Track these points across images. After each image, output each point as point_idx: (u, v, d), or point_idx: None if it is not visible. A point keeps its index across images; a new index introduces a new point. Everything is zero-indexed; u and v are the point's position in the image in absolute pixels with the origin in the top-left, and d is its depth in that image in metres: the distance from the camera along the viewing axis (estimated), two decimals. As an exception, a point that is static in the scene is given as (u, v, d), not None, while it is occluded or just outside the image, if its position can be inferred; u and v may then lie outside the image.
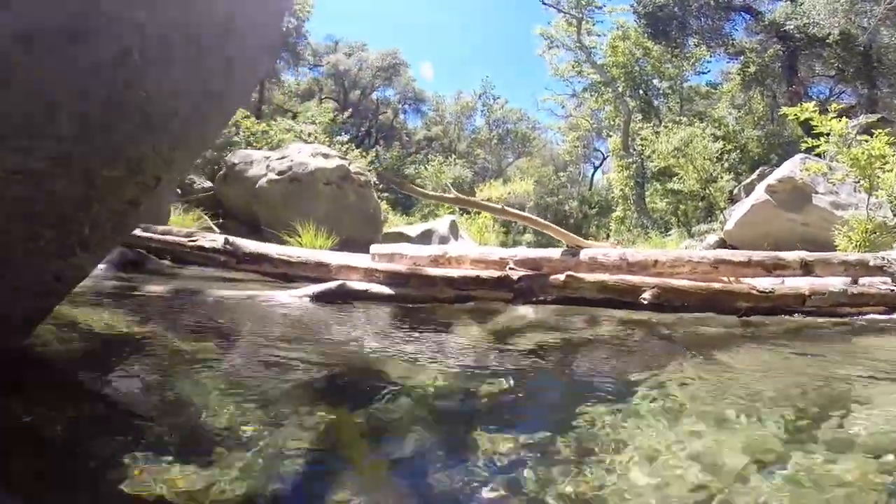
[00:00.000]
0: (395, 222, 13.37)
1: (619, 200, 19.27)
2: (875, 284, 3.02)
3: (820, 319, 2.96)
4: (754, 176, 12.78)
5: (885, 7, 13.62)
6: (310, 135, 14.93)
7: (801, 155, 9.34)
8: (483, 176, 26.38)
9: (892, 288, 2.96)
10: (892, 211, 6.81)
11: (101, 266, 3.86)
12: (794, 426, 1.41)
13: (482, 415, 1.50)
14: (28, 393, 1.41)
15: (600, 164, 28.85)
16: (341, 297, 3.19)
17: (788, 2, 16.01)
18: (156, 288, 3.01)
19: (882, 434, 1.36)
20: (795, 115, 7.24)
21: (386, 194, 15.44)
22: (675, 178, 14.75)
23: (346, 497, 0.99)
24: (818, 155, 8.01)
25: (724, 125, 17.37)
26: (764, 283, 3.13)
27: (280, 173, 9.42)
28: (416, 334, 2.51)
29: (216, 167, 11.23)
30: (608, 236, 17.35)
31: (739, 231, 9.41)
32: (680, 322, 2.96)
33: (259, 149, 11.65)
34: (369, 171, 10.94)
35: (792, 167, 9.08)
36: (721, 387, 1.80)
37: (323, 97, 25.70)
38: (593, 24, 21.57)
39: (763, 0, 17.64)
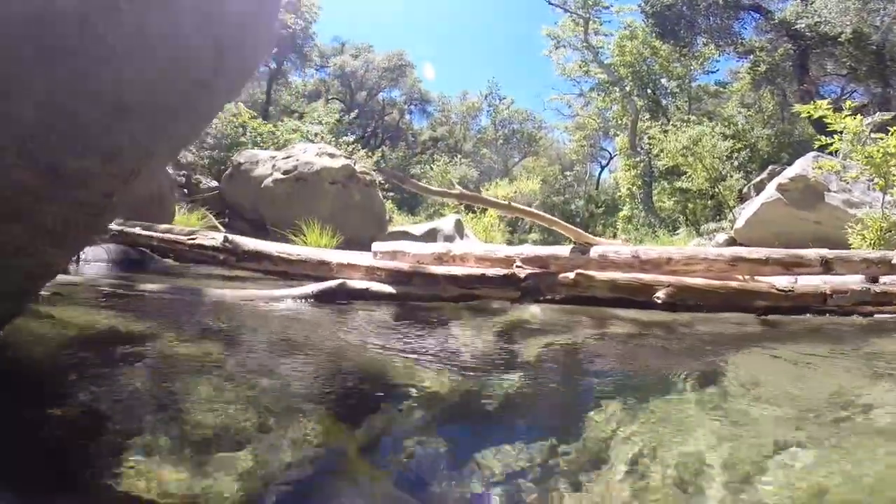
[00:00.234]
0: (400, 222, 13.35)
1: (627, 199, 19.14)
2: (896, 283, 2.92)
3: (835, 318, 2.87)
4: (764, 174, 12.63)
5: (898, 5, 13.43)
6: (316, 135, 14.94)
7: (814, 153, 9.21)
8: (489, 175, 26.29)
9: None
10: (908, 209, 6.65)
11: (102, 265, 3.86)
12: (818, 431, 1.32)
13: (487, 419, 1.44)
14: (17, 392, 1.36)
15: (607, 164, 28.68)
16: (342, 297, 3.11)
17: (799, 0, 15.81)
18: (154, 287, 2.95)
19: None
20: (809, 112, 7.11)
21: (391, 194, 15.43)
22: (683, 177, 14.60)
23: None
24: (831, 153, 7.87)
25: (733, 124, 17.19)
26: (779, 281, 3.04)
27: (286, 173, 9.41)
28: (419, 335, 2.43)
29: (222, 167, 11.25)
30: (615, 235, 17.21)
31: (749, 229, 9.29)
32: (695, 321, 2.87)
33: (266, 149, 11.66)
34: (374, 170, 10.90)
35: (804, 165, 8.95)
36: (743, 390, 1.72)
37: (329, 98, 25.71)
38: (600, 24, 21.48)
39: (773, -1, 17.46)
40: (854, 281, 2.98)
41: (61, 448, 1.11)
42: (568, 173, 28.15)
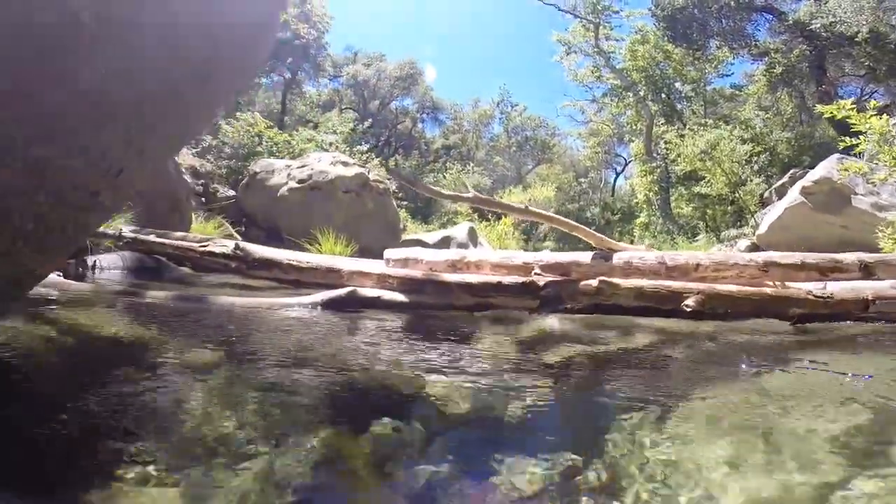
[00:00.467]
0: (414, 230, 13.33)
1: (643, 206, 18.88)
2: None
3: (877, 326, 2.71)
4: (786, 178, 12.36)
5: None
6: (331, 144, 15.06)
7: (838, 155, 8.97)
8: (502, 183, 26.24)
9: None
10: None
11: (117, 272, 3.86)
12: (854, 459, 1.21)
13: (502, 436, 1.36)
14: (18, 399, 1.32)
15: (622, 170, 28.42)
16: (352, 305, 3.02)
17: (813, 1, 15.54)
18: (162, 295, 2.92)
19: None
20: (832, 113, 6.89)
21: (405, 202, 15.44)
22: (701, 182, 14.34)
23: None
24: (856, 155, 7.63)
25: (751, 127, 16.87)
26: (807, 286, 2.90)
27: (300, 181, 9.47)
28: (432, 345, 2.32)
29: (240, 176, 11.39)
30: (632, 242, 16.96)
31: (772, 235, 9.06)
32: (725, 331, 2.74)
33: (281, 158, 11.77)
34: (388, 179, 10.91)
35: (828, 168, 8.70)
36: (782, 406, 1.60)
37: (343, 107, 26.00)
38: (611, 29, 21.38)
39: (786, 0, 17.19)
40: (884, 287, 2.81)
41: (58, 457, 1.07)
42: (582, 180, 27.96)
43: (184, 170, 10.67)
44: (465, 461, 1.18)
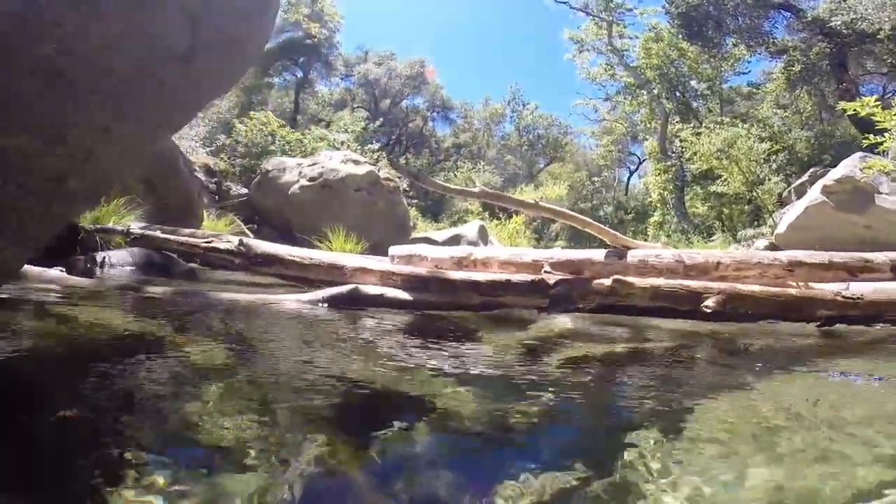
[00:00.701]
0: (424, 228, 13.27)
1: (658, 205, 18.62)
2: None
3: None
4: (805, 177, 12.08)
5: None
6: (342, 143, 15.10)
7: (861, 153, 8.74)
8: (513, 182, 26.09)
9: None
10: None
11: (126, 269, 3.86)
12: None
13: (509, 444, 1.28)
14: (16, 395, 1.28)
15: (636, 169, 28.05)
16: (354, 303, 2.95)
17: (831, -3, 15.18)
18: (163, 290, 2.88)
19: None
20: (855, 110, 6.69)
21: (416, 201, 15.41)
22: (718, 181, 14.07)
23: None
24: (880, 153, 7.40)
25: (769, 126, 16.51)
26: (831, 287, 2.76)
27: (311, 179, 9.48)
28: (437, 346, 2.24)
29: (253, 174, 11.45)
30: (646, 241, 16.71)
31: (792, 234, 8.84)
32: (747, 332, 2.62)
33: (293, 157, 11.81)
34: (399, 177, 10.87)
35: (851, 166, 8.48)
36: (801, 416, 1.50)
37: (355, 106, 26.07)
38: (624, 27, 21.11)
39: (804, -3, 16.80)
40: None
41: (56, 456, 1.03)
42: (595, 179, 27.66)
43: (198, 168, 10.77)
44: (468, 468, 1.12)
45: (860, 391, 1.83)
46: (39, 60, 0.96)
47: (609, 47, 21.22)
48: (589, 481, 1.04)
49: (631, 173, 28.52)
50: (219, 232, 4.75)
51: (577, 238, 16.41)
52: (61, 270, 2.96)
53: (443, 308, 3.05)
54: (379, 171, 10.00)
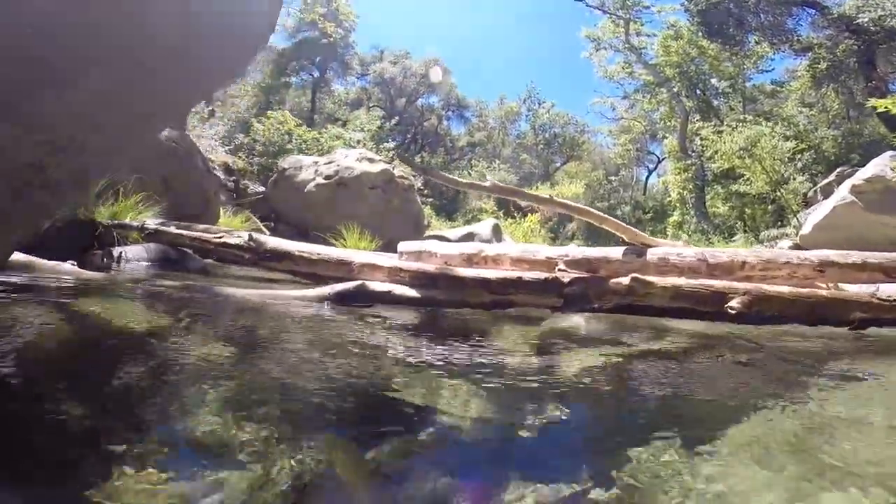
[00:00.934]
0: (438, 226, 13.22)
1: (677, 204, 18.28)
2: None
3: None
4: (832, 177, 11.73)
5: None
6: (358, 142, 15.16)
7: (892, 152, 8.45)
8: (529, 181, 25.88)
9: None
10: None
11: (141, 263, 3.89)
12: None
13: (517, 451, 1.23)
14: (18, 388, 1.26)
15: (655, 168, 27.57)
16: (361, 299, 2.90)
17: (859, -6, 14.69)
18: (172, 284, 2.87)
19: None
20: (886, 107, 6.46)
21: (430, 199, 15.39)
22: (740, 180, 13.70)
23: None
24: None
25: (794, 124, 16.05)
26: (855, 288, 2.63)
27: (327, 178, 9.51)
28: (443, 346, 2.17)
29: (270, 173, 11.56)
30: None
31: (818, 235, 8.56)
32: (773, 336, 2.50)
33: (310, 155, 11.89)
34: (414, 175, 10.84)
35: (881, 165, 8.19)
36: (826, 423, 1.41)
37: (371, 105, 26.17)
38: (642, 25, 20.77)
39: (828, -6, 16.29)
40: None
41: (53, 449, 1.02)
42: (613, 178, 27.25)
43: (216, 166, 10.92)
44: (473, 473, 1.07)
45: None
46: (17, 46, 0.92)
47: (626, 45, 20.92)
48: (596, 492, 0.99)
49: (649, 172, 28.07)
50: (234, 229, 4.77)
51: (594, 237, 16.18)
52: (73, 264, 2.99)
53: (451, 306, 2.99)
54: (394, 169, 9.99)
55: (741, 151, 12.78)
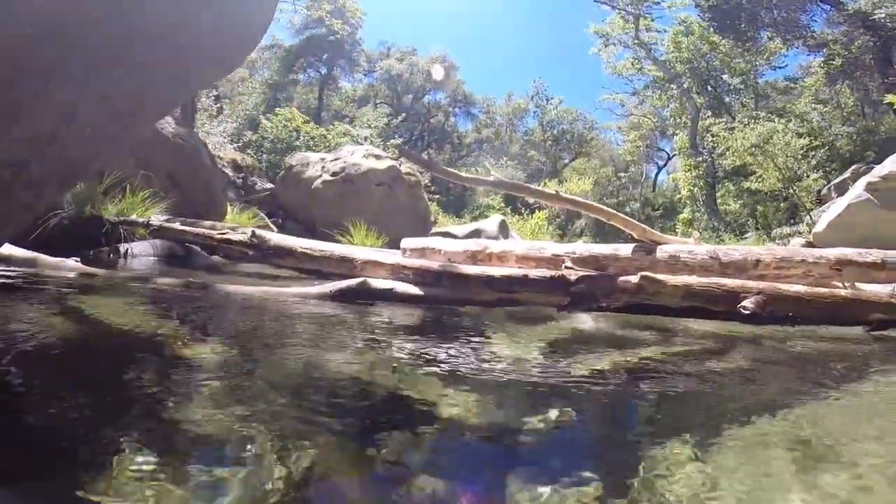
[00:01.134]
0: (445, 223, 13.17)
1: (687, 201, 18.11)
2: None
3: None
4: (847, 174, 11.52)
5: None
6: (366, 139, 15.17)
7: (910, 148, 8.23)
8: (537, 177, 25.74)
9: None
10: None
11: (147, 259, 3.90)
12: None
13: (520, 455, 1.19)
14: (16, 384, 1.25)
15: (665, 164, 27.31)
16: (363, 297, 2.86)
17: (874, -11, 14.40)
18: (171, 281, 2.85)
19: None
20: (904, 102, 6.30)
21: (437, 196, 15.35)
22: (752, 177, 13.51)
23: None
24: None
25: (807, 121, 15.80)
26: (873, 288, 2.54)
27: (334, 174, 9.51)
28: (445, 345, 2.12)
29: (278, 169, 11.60)
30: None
31: (831, 233, 8.39)
32: (787, 336, 2.43)
33: (317, 152, 11.91)
34: (421, 172, 10.79)
35: (899, 162, 7.98)
36: (850, 428, 1.35)
37: (378, 102, 26.18)
38: (651, 20, 20.51)
39: (844, -11, 15.99)
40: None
41: (51, 446, 1.00)
42: (622, 174, 27.03)
43: (225, 163, 10.97)
44: (474, 479, 1.03)
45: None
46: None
47: (636, 41, 20.68)
48: (602, 499, 0.95)
49: (659, 169, 27.83)
50: (240, 225, 4.77)
51: (604, 234, 16.05)
52: (76, 261, 2.99)
53: (455, 304, 2.94)
54: (400, 165, 9.96)
55: (753, 148, 12.60)
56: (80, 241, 3.61)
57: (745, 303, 2.25)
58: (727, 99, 19.70)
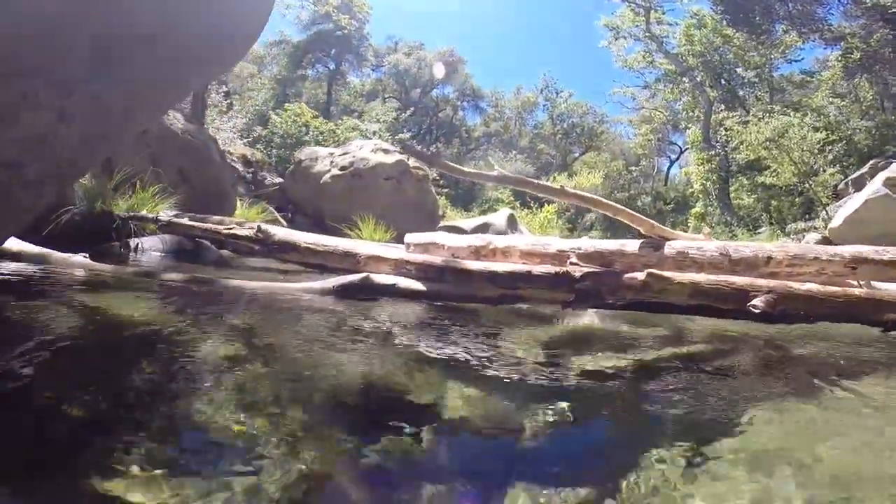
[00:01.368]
0: (453, 217, 13.13)
1: (700, 195, 17.87)
2: None
3: None
4: (865, 169, 11.29)
5: None
6: (374, 133, 15.17)
7: (930, 142, 8.03)
8: (546, 171, 25.57)
9: None
10: None
11: (157, 254, 3.94)
12: None
13: (520, 455, 1.18)
14: (21, 381, 1.26)
15: (677, 158, 26.95)
16: (365, 292, 2.84)
17: (894, -18, 14.01)
18: (176, 276, 2.87)
19: None
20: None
21: (446, 190, 15.31)
22: (766, 172, 13.28)
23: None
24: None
25: (824, 115, 15.45)
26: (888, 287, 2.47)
27: (342, 169, 9.52)
28: (447, 343, 2.10)
29: (288, 164, 11.66)
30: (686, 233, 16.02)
31: (848, 229, 8.24)
32: (799, 336, 2.38)
33: (326, 147, 11.95)
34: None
35: (919, 156, 7.79)
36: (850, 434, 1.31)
37: (386, 96, 26.14)
38: (663, 13, 20.16)
39: (862, -18, 15.57)
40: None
41: (56, 445, 1.00)
42: (633, 168, 26.71)
43: (235, 158, 11.04)
44: (473, 480, 1.02)
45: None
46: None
47: (647, 34, 20.35)
48: (600, 500, 0.94)
49: (671, 163, 27.47)
50: (249, 220, 4.80)
51: (613, 229, 15.91)
52: (85, 256, 3.03)
53: (458, 300, 2.91)
54: (408, 160, 9.95)
55: (768, 142, 12.38)
56: (91, 236, 3.65)
57: (755, 301, 2.20)
58: (741, 92, 19.35)
